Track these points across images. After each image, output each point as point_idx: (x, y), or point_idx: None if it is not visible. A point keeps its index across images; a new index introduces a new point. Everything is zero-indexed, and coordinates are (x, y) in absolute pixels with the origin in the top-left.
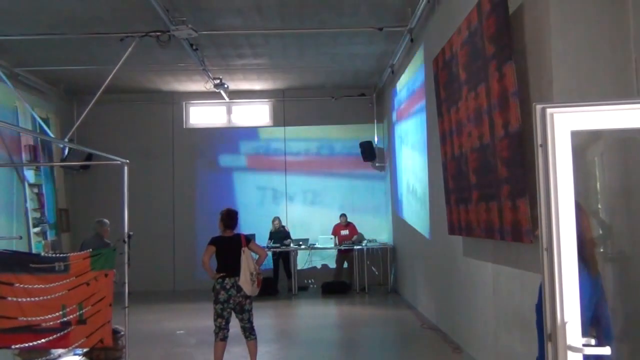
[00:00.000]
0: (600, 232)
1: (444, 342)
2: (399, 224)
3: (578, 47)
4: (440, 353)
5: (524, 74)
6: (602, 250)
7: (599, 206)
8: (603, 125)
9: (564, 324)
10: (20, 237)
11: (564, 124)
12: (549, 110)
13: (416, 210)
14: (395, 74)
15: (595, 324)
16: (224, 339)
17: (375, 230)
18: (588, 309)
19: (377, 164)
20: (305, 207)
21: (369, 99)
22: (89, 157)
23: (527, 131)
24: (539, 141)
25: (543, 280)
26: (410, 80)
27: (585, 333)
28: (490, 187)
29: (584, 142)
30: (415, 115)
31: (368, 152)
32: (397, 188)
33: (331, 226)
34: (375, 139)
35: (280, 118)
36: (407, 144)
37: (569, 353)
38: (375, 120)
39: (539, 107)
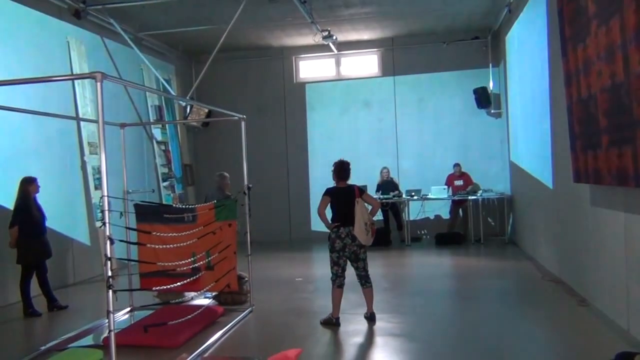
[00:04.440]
0: None
1: (568, 295)
2: (517, 173)
3: None
4: (564, 305)
5: None
6: None
7: None
8: None
9: None
10: (153, 191)
11: None
12: None
13: (536, 158)
14: (513, 13)
15: None
16: (341, 286)
17: (492, 179)
18: None
19: (492, 111)
20: (417, 157)
21: (484, 42)
22: (209, 114)
23: None
24: None
25: None
26: (530, 19)
27: None
28: (623, 131)
29: None
30: (536, 56)
31: (483, 98)
32: (515, 135)
33: (444, 176)
34: (491, 84)
35: (390, 67)
36: (526, 88)
37: None
38: (491, 65)
39: None
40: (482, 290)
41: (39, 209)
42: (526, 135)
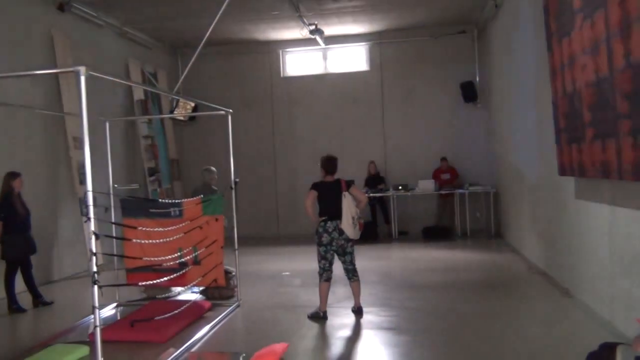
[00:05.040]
0: None
1: (552, 287)
2: (503, 167)
3: None
4: (548, 297)
5: None
6: None
7: None
8: None
9: None
10: (138, 186)
11: None
12: None
13: (522, 152)
14: (499, 7)
15: None
16: (328, 279)
17: (478, 173)
18: None
19: (478, 105)
20: (404, 151)
21: (470, 37)
22: (195, 108)
23: None
24: None
25: None
26: (516, 13)
27: None
28: (607, 124)
29: None
30: (521, 50)
31: (469, 92)
32: (501, 129)
33: (431, 170)
34: (477, 78)
35: (377, 62)
36: (511, 83)
37: None
38: (477, 59)
39: None
40: (470, 283)
41: (23, 204)
42: (511, 129)
